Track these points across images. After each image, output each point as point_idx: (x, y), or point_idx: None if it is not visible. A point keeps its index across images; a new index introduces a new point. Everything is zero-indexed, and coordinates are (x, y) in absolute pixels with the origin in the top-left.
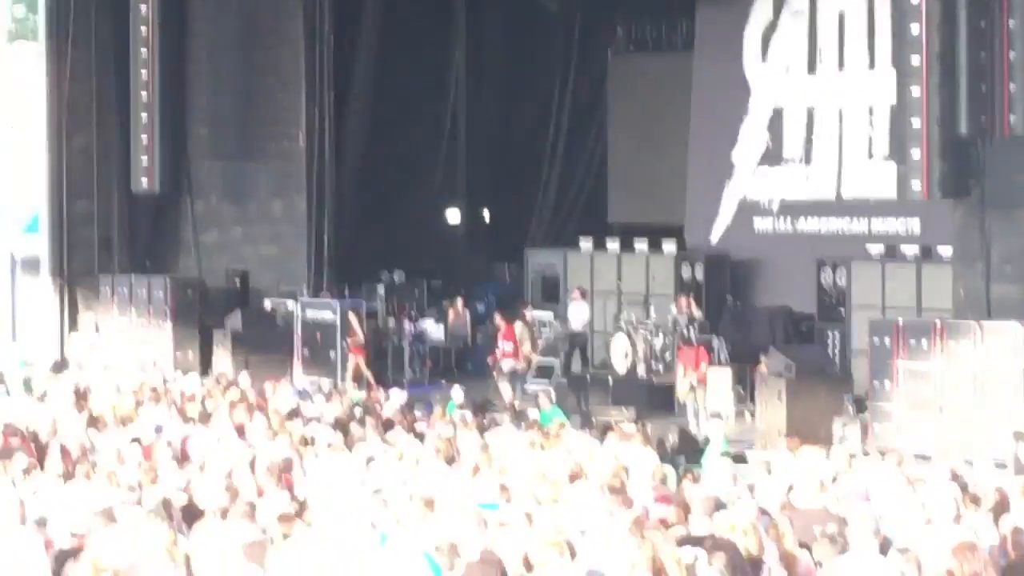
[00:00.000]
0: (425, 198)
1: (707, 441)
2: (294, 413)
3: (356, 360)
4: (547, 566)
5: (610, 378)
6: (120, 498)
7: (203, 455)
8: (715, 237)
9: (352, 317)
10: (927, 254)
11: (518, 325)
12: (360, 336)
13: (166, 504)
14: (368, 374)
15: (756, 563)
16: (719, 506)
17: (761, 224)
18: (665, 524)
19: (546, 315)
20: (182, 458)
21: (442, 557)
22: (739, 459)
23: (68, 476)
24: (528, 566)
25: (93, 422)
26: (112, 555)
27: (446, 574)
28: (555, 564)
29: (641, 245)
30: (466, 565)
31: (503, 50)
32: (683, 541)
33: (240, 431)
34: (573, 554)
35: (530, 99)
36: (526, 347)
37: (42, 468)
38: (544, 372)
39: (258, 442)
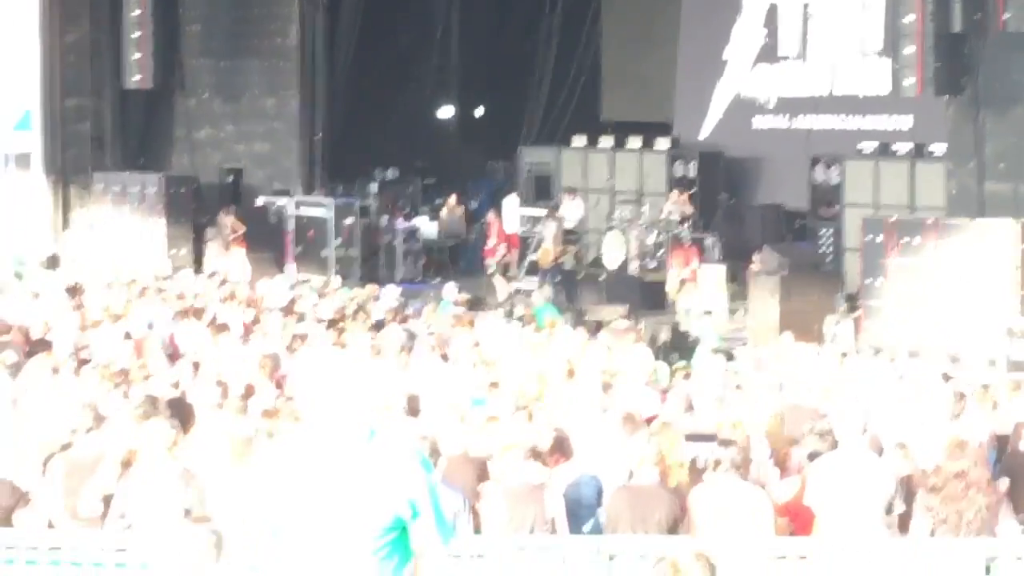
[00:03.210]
0: (418, 95)
1: (698, 339)
2: (287, 309)
3: (238, 253)
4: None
5: (602, 276)
6: (110, 394)
7: (194, 351)
8: (704, 134)
9: (226, 215)
10: (920, 151)
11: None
12: (241, 230)
13: (151, 400)
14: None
15: (746, 459)
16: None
17: (756, 122)
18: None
19: (539, 212)
20: (174, 354)
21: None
22: (729, 356)
23: (59, 372)
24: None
25: (85, 319)
26: (115, 447)
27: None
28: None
29: (634, 142)
30: (447, 460)
31: None
32: (688, 438)
33: (231, 328)
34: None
35: None
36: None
37: (33, 364)
38: (536, 270)
39: (250, 338)
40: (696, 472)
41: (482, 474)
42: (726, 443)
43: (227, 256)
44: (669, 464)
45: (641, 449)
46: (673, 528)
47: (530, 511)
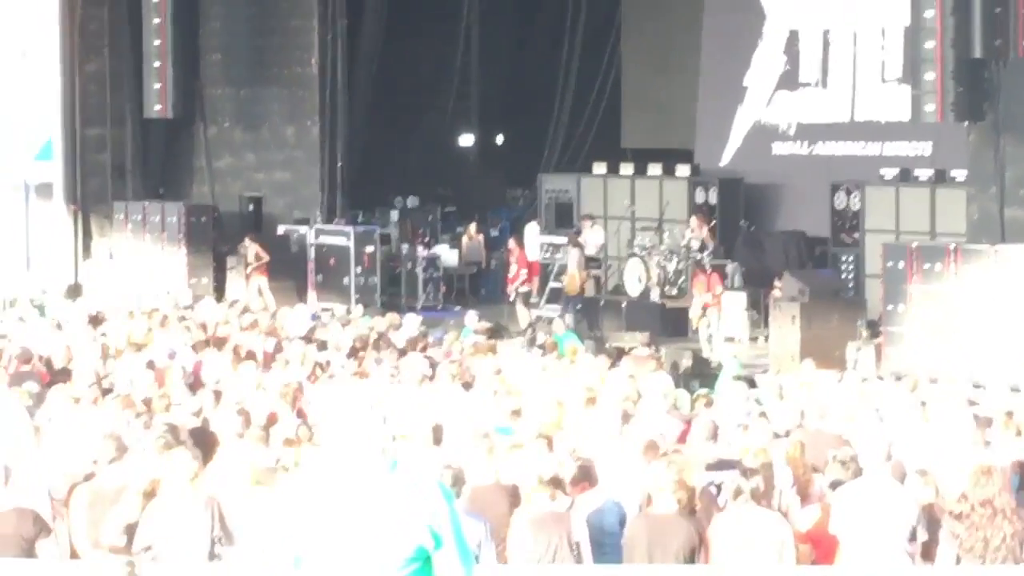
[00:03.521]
0: (439, 123)
1: (720, 366)
2: (308, 338)
3: (259, 282)
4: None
5: (624, 303)
6: (132, 424)
7: (216, 380)
8: (724, 160)
9: (252, 243)
10: (941, 177)
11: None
12: (266, 259)
13: (172, 430)
14: (270, 297)
15: (769, 487)
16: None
17: (776, 148)
18: (677, 450)
19: (559, 240)
20: (195, 383)
21: (449, 481)
22: (751, 383)
23: (81, 402)
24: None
25: (107, 348)
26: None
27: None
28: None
29: (655, 169)
30: (473, 489)
31: None
32: (709, 467)
33: (253, 357)
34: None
35: (543, 23)
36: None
37: (55, 394)
38: (556, 297)
39: (272, 367)
40: (708, 500)
41: (511, 502)
42: (749, 472)
43: (247, 284)
44: (690, 492)
45: (658, 477)
46: (691, 557)
47: (554, 539)
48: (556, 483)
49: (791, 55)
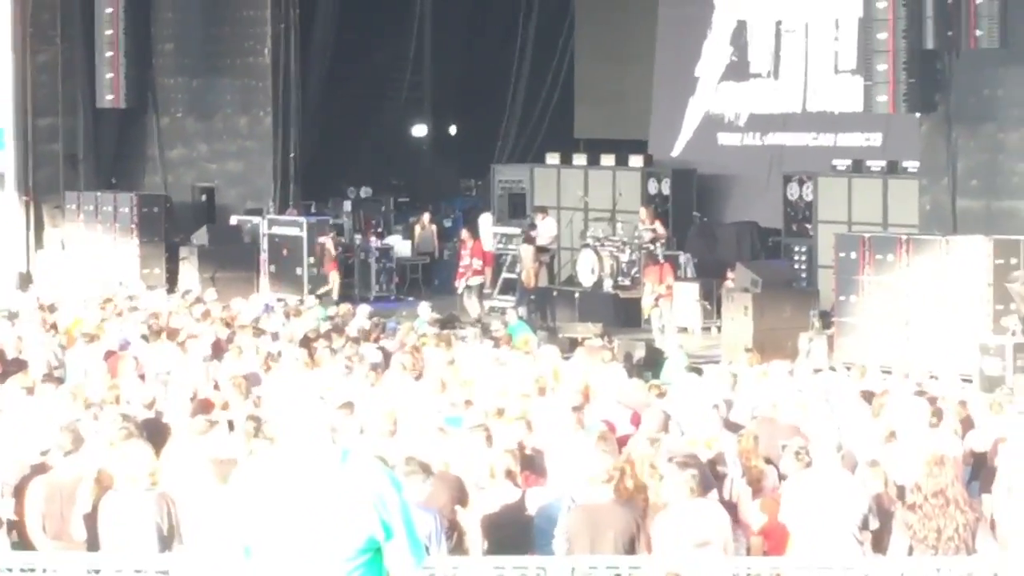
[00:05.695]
0: (392, 114)
1: (666, 357)
2: (260, 328)
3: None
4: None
5: (577, 293)
6: (85, 414)
7: (168, 370)
8: (677, 151)
9: (325, 239)
10: (893, 168)
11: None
12: (334, 253)
13: (128, 421)
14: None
15: (720, 478)
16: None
17: (727, 138)
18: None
19: (512, 231)
20: (147, 374)
21: (415, 473)
22: (702, 374)
23: (34, 392)
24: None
25: (59, 339)
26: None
27: (409, 489)
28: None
29: (608, 160)
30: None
31: None
32: (658, 455)
33: (206, 347)
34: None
35: (496, 13)
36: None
37: (8, 384)
38: (510, 288)
39: (225, 357)
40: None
41: (459, 493)
42: (684, 465)
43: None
44: (639, 481)
45: (594, 465)
46: (629, 546)
47: (506, 530)
48: (510, 474)
49: (740, 46)
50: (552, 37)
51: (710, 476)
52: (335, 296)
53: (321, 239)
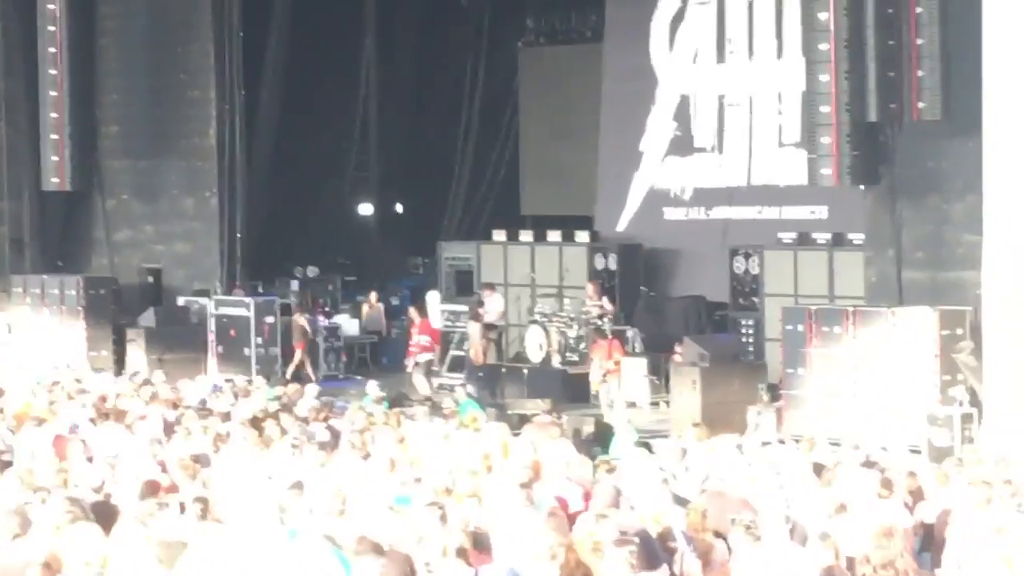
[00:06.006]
0: (337, 193)
1: (615, 432)
2: (209, 409)
3: (302, 356)
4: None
5: (525, 370)
6: (33, 498)
7: (117, 453)
8: (622, 226)
9: (299, 316)
10: (839, 241)
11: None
12: (310, 334)
13: (77, 504)
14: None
15: (669, 552)
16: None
17: (672, 213)
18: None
19: (460, 308)
20: (95, 456)
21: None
22: (651, 449)
23: None
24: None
25: (7, 422)
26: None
27: (356, 570)
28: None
29: (554, 236)
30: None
31: (413, 43)
32: (600, 532)
33: (154, 428)
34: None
35: (441, 91)
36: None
37: None
38: (458, 365)
39: (173, 439)
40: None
41: (410, 573)
42: (622, 542)
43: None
44: (580, 559)
45: (540, 543)
46: None
47: None
48: (460, 552)
49: (684, 120)
50: (497, 114)
51: (659, 550)
52: (310, 371)
53: (296, 316)
